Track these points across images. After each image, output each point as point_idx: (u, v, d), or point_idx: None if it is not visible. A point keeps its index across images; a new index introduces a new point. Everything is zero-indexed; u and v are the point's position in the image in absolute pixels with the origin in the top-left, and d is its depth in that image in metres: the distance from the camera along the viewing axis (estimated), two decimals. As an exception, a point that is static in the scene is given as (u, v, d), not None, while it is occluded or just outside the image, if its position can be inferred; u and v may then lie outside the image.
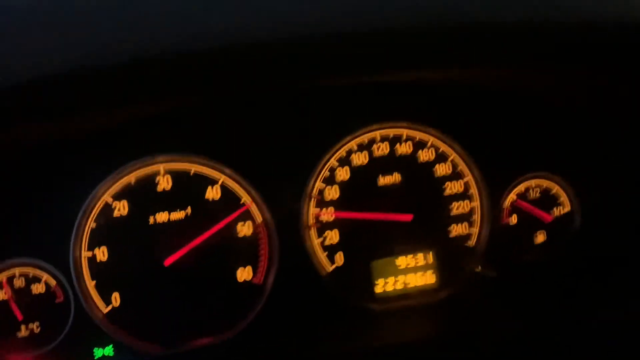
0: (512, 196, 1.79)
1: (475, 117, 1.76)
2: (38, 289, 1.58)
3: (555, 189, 1.81)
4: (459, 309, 1.69)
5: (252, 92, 1.55)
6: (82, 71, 1.10)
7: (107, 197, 1.59)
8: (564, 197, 1.81)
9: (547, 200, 1.80)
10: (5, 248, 1.57)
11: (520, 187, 1.79)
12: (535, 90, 1.71)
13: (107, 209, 1.59)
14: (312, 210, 1.70)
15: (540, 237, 1.80)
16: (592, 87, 1.59)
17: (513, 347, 1.51)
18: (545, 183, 1.80)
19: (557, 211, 1.80)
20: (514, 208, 1.79)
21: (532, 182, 1.80)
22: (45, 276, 1.58)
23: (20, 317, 1.56)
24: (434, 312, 1.70)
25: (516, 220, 1.79)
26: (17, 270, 1.57)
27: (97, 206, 1.59)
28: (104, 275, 1.59)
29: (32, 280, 1.58)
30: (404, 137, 1.73)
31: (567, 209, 1.81)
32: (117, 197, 1.60)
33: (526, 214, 1.78)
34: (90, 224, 1.58)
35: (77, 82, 1.12)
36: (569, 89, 1.66)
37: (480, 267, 1.67)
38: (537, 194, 1.80)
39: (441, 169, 1.74)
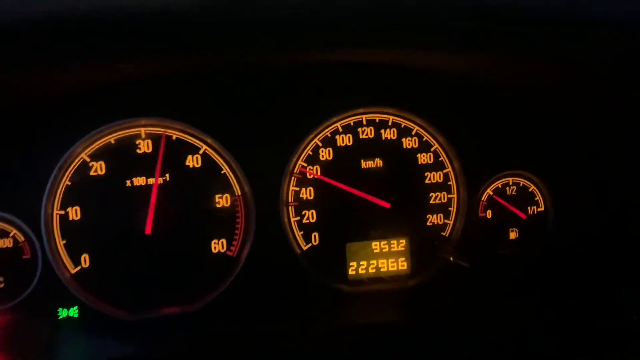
0: (489, 191, 1.81)
1: (461, 111, 1.77)
2: (5, 243, 1.55)
3: (532, 187, 1.84)
4: (429, 296, 1.71)
5: (239, 61, 1.54)
6: (66, 18, 1.08)
7: (84, 156, 1.56)
8: (539, 197, 1.84)
9: (523, 198, 1.83)
10: (-24, 199, 1.53)
11: (498, 183, 1.82)
12: (520, 89, 1.74)
13: (84, 167, 1.56)
14: (292, 187, 1.70)
15: (513, 233, 1.83)
16: (575, 87, 1.63)
17: (478, 337, 1.53)
18: (522, 181, 1.84)
19: (531, 209, 1.84)
20: (490, 203, 1.81)
21: (510, 180, 1.83)
22: (13, 231, 1.55)
23: (-16, 270, 1.53)
24: (404, 298, 1.72)
25: (491, 215, 1.82)
26: (-16, 222, 1.53)
27: (73, 164, 1.55)
28: (75, 235, 1.56)
29: (-1, 234, 1.54)
30: (390, 122, 1.74)
31: (541, 208, 1.84)
32: (95, 156, 1.57)
33: (501, 209, 1.82)
34: (65, 181, 1.55)
35: (58, 29, 1.10)
36: (551, 89, 1.69)
37: (452, 257, 1.69)
38: (514, 191, 1.83)
39: (423, 158, 1.76)
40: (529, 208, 1.84)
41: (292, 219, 1.70)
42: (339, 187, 1.70)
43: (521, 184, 1.83)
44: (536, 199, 1.84)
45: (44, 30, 1.11)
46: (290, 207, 1.70)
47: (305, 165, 1.70)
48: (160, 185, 1.59)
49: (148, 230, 1.58)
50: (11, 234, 1.54)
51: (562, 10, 1.24)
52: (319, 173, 1.71)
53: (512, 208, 1.82)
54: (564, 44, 1.33)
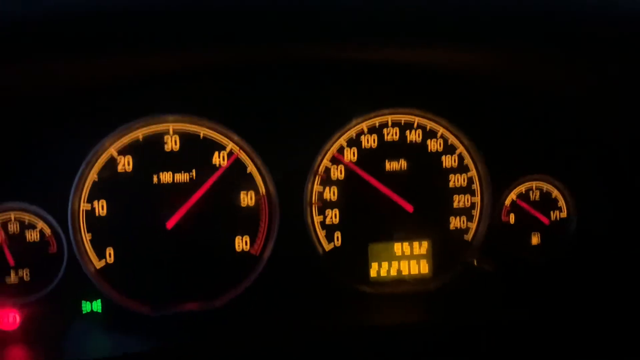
0: (512, 195, 1.81)
1: (487, 113, 1.77)
2: (32, 236, 1.56)
3: (555, 193, 1.83)
4: (450, 299, 1.71)
5: (268, 59, 1.54)
6: (96, 11, 1.09)
7: (112, 151, 1.56)
8: (562, 202, 1.84)
9: (546, 203, 1.82)
10: (4, 192, 1.54)
11: (522, 188, 1.81)
12: (546, 91, 1.73)
13: (112, 162, 1.57)
14: (316, 187, 1.70)
15: (535, 239, 1.82)
16: (604, 96, 1.62)
17: (499, 340, 1.53)
18: (546, 186, 1.83)
19: (554, 215, 1.83)
20: (514, 207, 1.81)
21: (534, 184, 1.82)
22: (40, 224, 1.56)
23: (11, 262, 1.54)
24: (425, 301, 1.72)
25: (514, 220, 1.81)
26: (12, 215, 1.54)
27: (101, 159, 1.56)
28: (101, 230, 1.57)
29: (27, 226, 1.55)
30: (415, 124, 1.74)
31: (565, 214, 1.83)
32: (123, 152, 1.57)
33: (525, 214, 1.81)
34: (93, 176, 1.56)
35: (88, 22, 1.11)
36: (580, 96, 1.68)
37: (476, 261, 1.69)
38: (537, 197, 1.82)
39: (448, 161, 1.75)
40: (552, 213, 1.83)
41: (316, 219, 1.70)
42: (364, 186, 1.70)
43: (545, 189, 1.83)
44: (559, 204, 1.83)
45: (74, 23, 1.12)
46: (314, 207, 1.70)
47: (329, 165, 1.70)
48: (186, 182, 1.60)
49: (172, 226, 1.58)
50: (38, 227, 1.56)
51: (601, 8, 1.24)
52: (342, 174, 1.71)
53: (535, 213, 1.81)
54: (602, 46, 1.32)
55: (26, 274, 1.55)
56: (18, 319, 1.50)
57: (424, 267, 1.75)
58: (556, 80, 1.62)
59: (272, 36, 1.30)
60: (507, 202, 1.80)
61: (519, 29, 1.29)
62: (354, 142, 1.72)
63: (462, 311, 1.66)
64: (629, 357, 1.45)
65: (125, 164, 1.58)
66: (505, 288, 1.72)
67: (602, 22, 1.28)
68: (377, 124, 1.72)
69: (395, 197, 1.70)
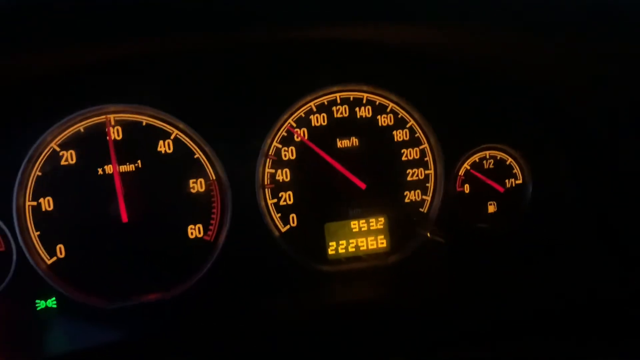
0: (466, 166, 1.81)
1: (436, 86, 1.76)
2: (-22, 236, 1.53)
3: (509, 160, 1.84)
4: (409, 272, 1.72)
5: (208, 43, 1.51)
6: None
7: (54, 145, 1.54)
8: (517, 170, 1.84)
9: (500, 171, 1.83)
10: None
11: (475, 158, 1.81)
12: (495, 62, 1.72)
13: (54, 157, 1.54)
14: (268, 170, 1.69)
15: (491, 207, 1.83)
16: (557, 63, 1.61)
17: (458, 311, 1.54)
18: (499, 154, 1.83)
19: (509, 183, 1.84)
20: (468, 177, 1.81)
21: (487, 153, 1.82)
22: (-14, 224, 1.53)
23: (-43, 264, 1.51)
24: (384, 275, 1.73)
25: (469, 190, 1.81)
26: (-45, 216, 1.51)
27: (43, 154, 1.53)
28: (49, 226, 1.55)
29: (-29, 227, 1.52)
30: (364, 100, 1.72)
31: (520, 180, 1.84)
32: (65, 145, 1.54)
33: (479, 183, 1.81)
34: (36, 172, 1.53)
35: (23, 12, 1.08)
36: (530, 64, 1.67)
37: (430, 233, 1.69)
38: (491, 165, 1.83)
39: (399, 135, 1.75)
40: (506, 181, 1.84)
41: (269, 202, 1.69)
42: (316, 166, 1.69)
43: (498, 157, 1.83)
44: (514, 171, 1.84)
45: (8, 14, 1.09)
46: (266, 190, 1.69)
47: (279, 147, 1.69)
48: (132, 172, 1.58)
49: (124, 218, 1.56)
50: (-17, 227, 1.53)
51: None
52: (294, 155, 1.69)
53: (489, 182, 1.81)
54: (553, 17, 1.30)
55: (-25, 275, 1.53)
56: (-31, 321, 1.49)
57: (382, 242, 1.75)
58: (505, 51, 1.61)
59: (211, 22, 1.27)
60: (461, 172, 1.81)
61: (464, 7, 1.27)
62: (304, 121, 1.70)
63: (422, 284, 1.66)
64: (579, 324, 1.47)
65: (69, 157, 1.55)
66: (462, 258, 1.72)
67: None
68: (325, 102, 1.71)
69: (349, 174, 1.70)
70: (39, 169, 1.53)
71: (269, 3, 1.23)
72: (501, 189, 1.82)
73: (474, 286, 1.63)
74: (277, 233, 1.70)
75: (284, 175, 1.70)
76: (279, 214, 1.70)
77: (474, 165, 1.81)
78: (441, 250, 1.74)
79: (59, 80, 1.53)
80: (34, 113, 1.54)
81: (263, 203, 1.68)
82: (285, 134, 1.69)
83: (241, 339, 1.50)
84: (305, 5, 1.26)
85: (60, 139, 1.54)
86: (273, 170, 1.69)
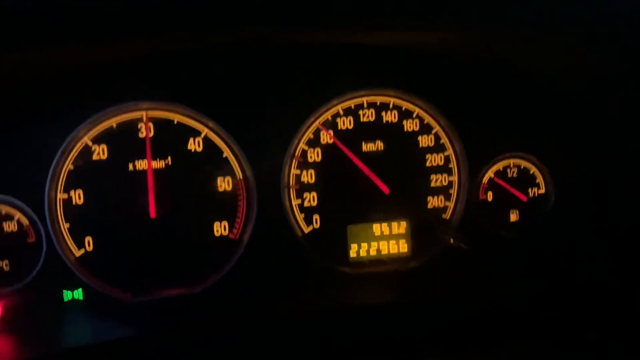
0: (490, 173, 1.81)
1: (462, 93, 1.77)
2: (10, 227, 1.56)
3: (533, 170, 1.84)
4: (429, 277, 1.73)
5: (242, 43, 1.54)
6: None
7: (86, 140, 1.56)
8: (540, 179, 1.85)
9: (524, 180, 1.83)
10: (-20, 184, 1.54)
11: (499, 165, 1.82)
12: (523, 69, 1.73)
13: (86, 151, 1.57)
14: (293, 171, 1.71)
15: (514, 216, 1.84)
16: (575, 68, 1.62)
17: (477, 318, 1.55)
18: (523, 163, 1.84)
19: (532, 192, 1.84)
20: (491, 185, 1.82)
21: (511, 162, 1.83)
22: (18, 215, 1.56)
23: (-10, 253, 1.55)
24: (405, 280, 1.74)
25: (492, 197, 1.82)
26: (-11, 206, 1.55)
27: (76, 148, 1.56)
28: (79, 219, 1.58)
29: (4, 217, 1.55)
30: (391, 105, 1.74)
31: (543, 190, 1.85)
32: (97, 140, 1.57)
33: (502, 191, 1.82)
34: (68, 165, 1.56)
35: (59, 7, 1.10)
36: (557, 73, 1.68)
37: (453, 239, 1.70)
38: (515, 174, 1.83)
39: (424, 141, 1.76)
40: (529, 190, 1.84)
41: (294, 202, 1.71)
42: (341, 168, 1.71)
43: (522, 167, 1.83)
44: (537, 181, 1.84)
45: (44, 9, 1.11)
46: (291, 190, 1.71)
47: (306, 148, 1.71)
48: (162, 169, 1.60)
49: (152, 213, 1.59)
50: (16, 218, 1.56)
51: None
52: (319, 157, 1.71)
53: (513, 190, 1.82)
54: (580, 26, 1.31)
55: (5, 265, 1.56)
56: (-1, 309, 1.52)
57: (403, 247, 1.77)
58: (533, 58, 1.62)
59: (246, 20, 1.30)
60: (485, 180, 1.81)
61: (492, 11, 1.28)
62: (330, 124, 1.72)
63: (442, 290, 1.67)
64: (601, 331, 1.47)
65: (100, 152, 1.58)
66: (483, 266, 1.73)
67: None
68: (352, 106, 1.72)
69: (374, 177, 1.71)
70: (71, 162, 1.56)
71: (298, 6, 1.25)
72: (524, 198, 1.83)
73: (494, 293, 1.64)
74: (300, 233, 1.72)
75: (309, 176, 1.72)
76: (303, 215, 1.72)
77: (497, 173, 1.82)
78: (462, 257, 1.75)
79: (93, 76, 1.56)
80: (68, 107, 1.57)
81: (288, 203, 1.70)
82: (312, 136, 1.71)
83: (261, 337, 1.52)
84: (336, 10, 1.28)
85: (93, 133, 1.57)
86: (298, 172, 1.71)
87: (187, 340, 1.48)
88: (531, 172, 1.84)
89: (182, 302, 1.64)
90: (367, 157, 1.72)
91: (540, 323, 1.54)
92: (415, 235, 1.77)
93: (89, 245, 1.59)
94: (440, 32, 1.47)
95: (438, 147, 1.77)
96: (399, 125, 1.74)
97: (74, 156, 1.56)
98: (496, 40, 1.53)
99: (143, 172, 1.59)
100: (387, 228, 1.75)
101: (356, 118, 1.72)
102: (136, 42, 1.42)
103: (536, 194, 1.85)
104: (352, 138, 1.72)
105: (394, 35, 1.55)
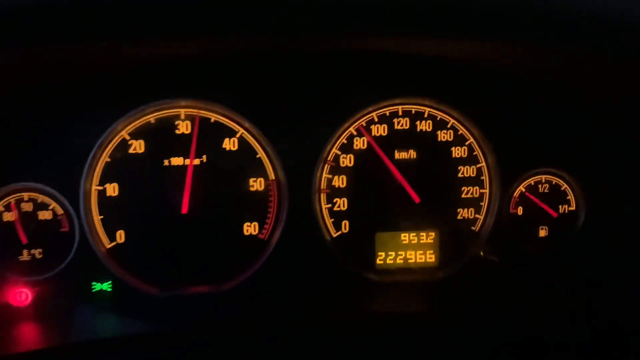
0: (521, 188, 1.81)
1: (498, 105, 1.77)
2: (45, 215, 1.58)
3: (564, 186, 1.83)
4: (456, 289, 1.72)
5: (281, 46, 1.54)
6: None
7: (124, 134, 1.58)
8: (570, 196, 1.83)
9: (555, 196, 1.82)
10: (18, 172, 1.56)
11: (530, 180, 1.81)
12: (558, 87, 1.72)
13: (124, 145, 1.59)
14: (325, 175, 1.71)
15: (543, 231, 1.83)
16: (609, 84, 1.60)
17: (503, 332, 1.54)
18: (554, 179, 1.83)
19: (562, 208, 1.83)
20: (522, 199, 1.81)
21: (542, 177, 1.82)
22: (53, 204, 1.58)
23: (24, 240, 1.57)
24: (431, 290, 1.73)
25: (522, 212, 1.81)
26: (26, 194, 1.57)
27: (113, 141, 1.58)
28: (112, 211, 1.60)
29: (40, 206, 1.58)
30: (426, 114, 1.74)
31: (573, 207, 1.83)
32: (135, 134, 1.59)
33: (533, 206, 1.81)
34: (105, 158, 1.58)
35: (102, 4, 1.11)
36: (593, 89, 1.67)
37: (483, 252, 1.69)
38: (546, 189, 1.82)
39: (457, 152, 1.75)
40: (560, 207, 1.83)
41: (324, 206, 1.71)
42: (373, 175, 1.71)
43: (554, 182, 1.82)
44: (568, 197, 1.83)
45: (86, 5, 1.13)
46: (322, 194, 1.71)
47: (339, 153, 1.71)
48: (196, 166, 1.62)
49: (184, 209, 1.60)
50: (51, 207, 1.58)
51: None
52: (352, 162, 1.71)
53: (543, 206, 1.81)
54: (612, 41, 1.30)
55: (38, 253, 1.58)
56: (30, 296, 1.54)
57: (431, 257, 1.76)
58: (568, 72, 1.61)
59: (286, 25, 1.30)
60: (516, 194, 1.81)
61: (528, 24, 1.28)
62: (364, 130, 1.72)
63: (468, 301, 1.67)
64: (628, 350, 1.46)
65: (137, 146, 1.59)
66: (510, 280, 1.72)
67: (612, 17, 1.26)
68: (387, 113, 1.73)
69: (406, 186, 1.71)
70: (108, 155, 1.58)
71: (339, 13, 1.25)
72: (554, 214, 1.82)
73: (520, 307, 1.63)
74: (328, 237, 1.72)
75: (340, 181, 1.72)
76: (332, 219, 1.72)
77: (529, 188, 1.81)
78: (489, 270, 1.74)
79: (134, 72, 1.57)
80: (108, 101, 1.59)
81: (318, 207, 1.71)
82: (345, 141, 1.72)
83: (284, 338, 1.52)
84: (376, 18, 1.28)
85: (131, 128, 1.58)
86: (330, 176, 1.71)
87: (211, 337, 1.49)
88: (562, 188, 1.83)
89: (209, 300, 1.65)
90: (400, 165, 1.72)
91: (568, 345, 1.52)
92: (443, 246, 1.76)
93: (120, 237, 1.61)
94: (477, 44, 1.47)
95: (471, 159, 1.76)
96: (432, 134, 1.74)
97: (111, 149, 1.58)
98: (532, 56, 1.52)
99: (177, 168, 1.61)
100: (416, 237, 1.75)
101: (390, 126, 1.73)
102: (178, 43, 1.43)
103: (566, 211, 1.83)
104: (386, 145, 1.72)
105: (430, 44, 1.55)
